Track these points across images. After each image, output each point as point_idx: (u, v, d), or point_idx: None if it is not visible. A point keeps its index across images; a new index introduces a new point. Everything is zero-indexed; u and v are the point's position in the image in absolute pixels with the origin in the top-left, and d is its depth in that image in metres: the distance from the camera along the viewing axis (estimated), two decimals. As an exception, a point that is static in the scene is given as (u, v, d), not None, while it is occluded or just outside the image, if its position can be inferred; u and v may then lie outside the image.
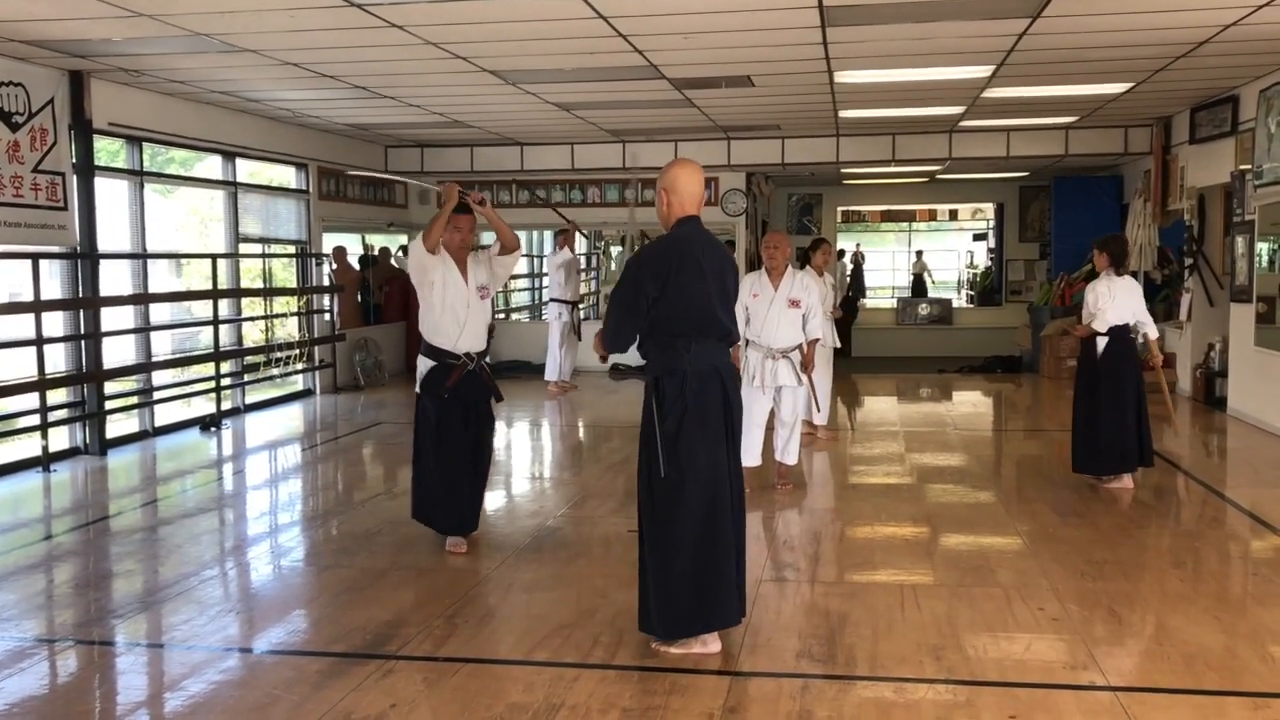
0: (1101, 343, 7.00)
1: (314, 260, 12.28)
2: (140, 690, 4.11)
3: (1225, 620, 4.56)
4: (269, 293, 11.60)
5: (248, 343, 11.36)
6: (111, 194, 9.27)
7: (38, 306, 7.94)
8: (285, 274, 12.45)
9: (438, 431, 5.60)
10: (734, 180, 14.12)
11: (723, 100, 10.34)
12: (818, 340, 7.13)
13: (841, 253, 18.54)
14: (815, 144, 13.21)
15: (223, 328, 10.37)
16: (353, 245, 14.37)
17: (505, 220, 5.85)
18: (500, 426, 7.77)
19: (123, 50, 7.75)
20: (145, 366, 9.51)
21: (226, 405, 10.48)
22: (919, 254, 22.93)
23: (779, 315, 6.87)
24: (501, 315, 16.03)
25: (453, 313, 5.56)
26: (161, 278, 11.00)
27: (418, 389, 5.71)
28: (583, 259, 16.48)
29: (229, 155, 10.84)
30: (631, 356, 4.27)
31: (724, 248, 4.46)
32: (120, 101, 9.01)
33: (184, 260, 11.93)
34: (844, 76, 9.05)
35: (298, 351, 11.59)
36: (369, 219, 14.00)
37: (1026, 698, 3.76)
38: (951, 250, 25.33)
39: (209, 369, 10.42)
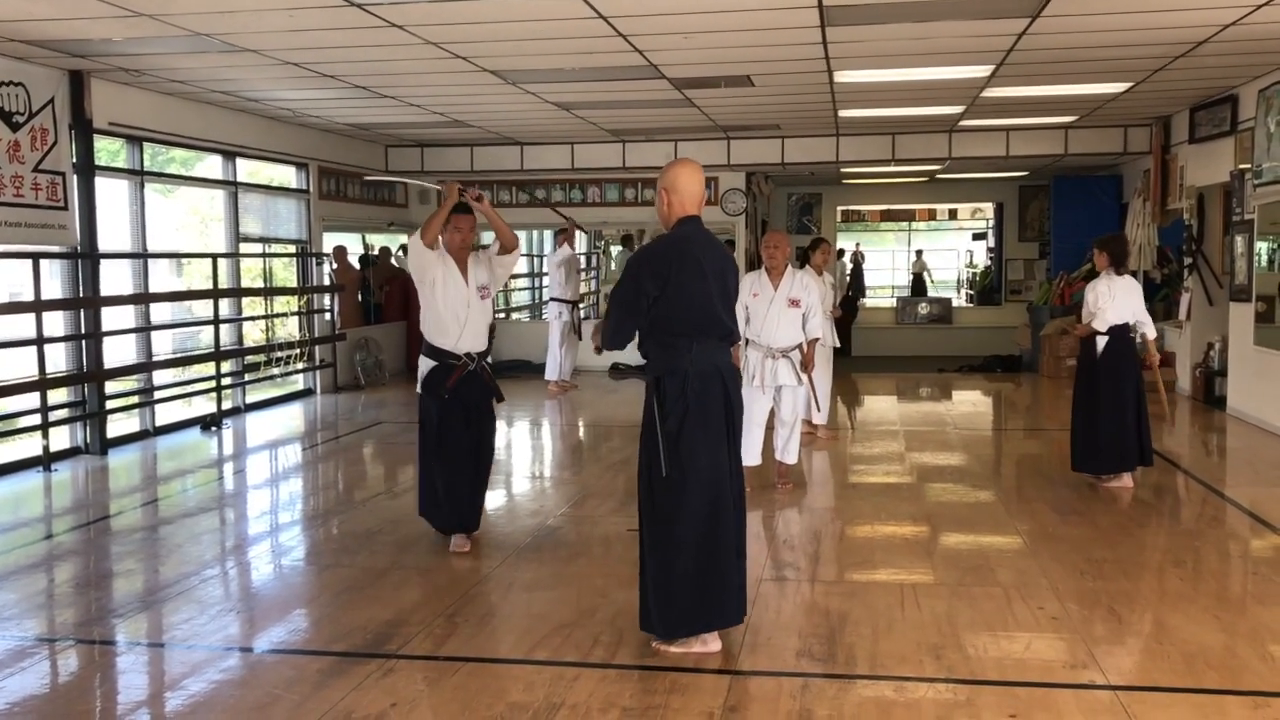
0: (1101, 342, 7.01)
1: (314, 260, 12.28)
2: (141, 689, 4.11)
3: (1225, 619, 4.57)
4: (269, 292, 11.60)
5: (248, 342, 11.37)
6: (112, 194, 9.27)
7: (38, 306, 7.94)
8: (286, 273, 12.46)
9: (438, 431, 5.61)
10: (734, 180, 14.13)
11: (722, 100, 10.35)
12: (818, 340, 7.13)
13: (841, 252, 18.54)
14: (815, 144, 13.22)
15: (223, 327, 10.37)
16: (353, 245, 14.37)
17: (505, 220, 5.85)
18: (500, 426, 7.78)
19: (123, 50, 7.76)
20: (146, 366, 9.51)
21: (227, 405, 10.48)
22: (919, 253, 22.93)
23: (779, 315, 6.87)
24: (502, 315, 16.04)
25: (453, 313, 5.57)
26: (162, 277, 11.00)
27: (419, 389, 5.72)
28: (582, 259, 16.48)
29: (229, 155, 10.84)
30: (631, 356, 4.27)
31: (724, 247, 4.46)
32: (120, 101, 9.02)
33: (184, 260, 11.93)
34: (843, 76, 9.05)
35: (298, 351, 11.60)
36: (369, 219, 14.00)
37: (1026, 697, 3.76)
38: (951, 250, 25.33)
39: (209, 368, 10.43)
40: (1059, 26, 7.23)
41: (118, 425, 9.33)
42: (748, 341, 6.91)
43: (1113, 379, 6.99)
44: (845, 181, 17.82)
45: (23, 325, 8.07)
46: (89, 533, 6.41)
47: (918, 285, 21.86)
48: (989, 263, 20.47)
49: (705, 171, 4.40)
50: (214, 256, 10.33)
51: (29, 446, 8.25)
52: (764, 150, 13.42)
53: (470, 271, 5.65)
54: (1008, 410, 12.15)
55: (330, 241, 13.03)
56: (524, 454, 9.33)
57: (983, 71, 8.91)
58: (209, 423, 9.89)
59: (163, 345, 10.36)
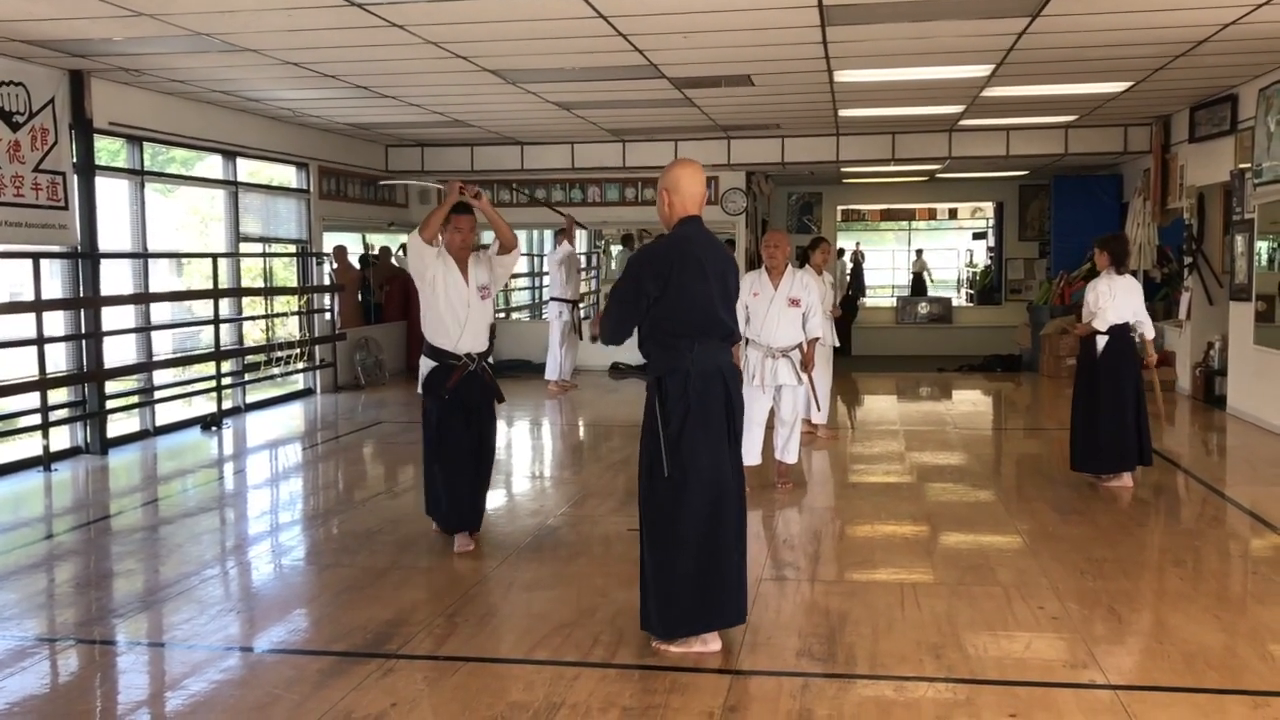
0: (1101, 341, 7.01)
1: (314, 259, 12.28)
2: (141, 689, 4.11)
3: (1225, 619, 4.57)
4: (269, 292, 11.60)
5: (248, 342, 11.37)
6: (112, 193, 9.27)
7: (39, 306, 7.94)
8: (286, 273, 12.46)
9: (438, 432, 5.61)
10: (734, 179, 14.13)
11: (722, 99, 10.35)
12: (818, 339, 7.14)
13: (841, 252, 18.54)
14: (815, 143, 13.22)
15: (223, 327, 10.37)
16: (353, 245, 14.38)
17: (505, 219, 5.84)
18: (501, 426, 7.78)
19: (123, 50, 7.76)
20: (146, 366, 9.51)
21: (227, 404, 10.48)
22: (919, 253, 22.93)
23: (779, 314, 6.88)
24: (502, 314, 16.04)
25: (453, 313, 5.57)
26: (162, 277, 11.00)
27: (419, 389, 5.72)
28: (583, 259, 16.48)
29: (229, 155, 10.85)
30: (631, 355, 4.28)
31: (725, 247, 4.47)
32: (121, 101, 9.02)
33: (185, 260, 11.93)
34: (843, 76, 9.05)
35: (298, 351, 11.60)
36: (369, 218, 14.01)
37: (1026, 696, 3.76)
38: (951, 249, 25.34)
39: (210, 368, 10.43)
40: (1059, 26, 7.23)
41: (118, 425, 9.33)
42: (747, 341, 6.92)
43: (1113, 378, 6.99)
44: (845, 181, 17.82)
45: (23, 325, 8.07)
46: (89, 532, 6.41)
47: (918, 285, 21.86)
48: (989, 262, 20.47)
49: (705, 171, 4.40)
50: (214, 256, 10.33)
51: (29, 446, 8.25)
52: (764, 150, 13.42)
53: (470, 271, 5.64)
54: (1008, 410, 12.15)
55: (330, 241, 13.04)
56: (524, 454, 9.33)
57: (983, 71, 8.91)
58: (209, 422, 9.89)
59: (163, 345, 10.36)
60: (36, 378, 7.95)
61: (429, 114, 11.10)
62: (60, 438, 8.60)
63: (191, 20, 6.88)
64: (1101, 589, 4.95)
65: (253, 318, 11.53)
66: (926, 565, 5.42)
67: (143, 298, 9.53)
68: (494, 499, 6.12)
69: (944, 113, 11.31)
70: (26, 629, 4.65)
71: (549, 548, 5.80)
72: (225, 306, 10.50)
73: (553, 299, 12.49)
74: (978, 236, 22.99)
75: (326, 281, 12.56)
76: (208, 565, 5.63)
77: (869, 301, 21.09)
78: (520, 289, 18.64)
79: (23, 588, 5.29)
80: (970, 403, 12.30)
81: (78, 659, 4.37)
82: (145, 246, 9.58)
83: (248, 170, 11.42)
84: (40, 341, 7.92)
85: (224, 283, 10.41)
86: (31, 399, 8.12)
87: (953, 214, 24.18)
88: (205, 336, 10.79)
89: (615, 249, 18.05)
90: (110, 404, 9.03)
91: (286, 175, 12.15)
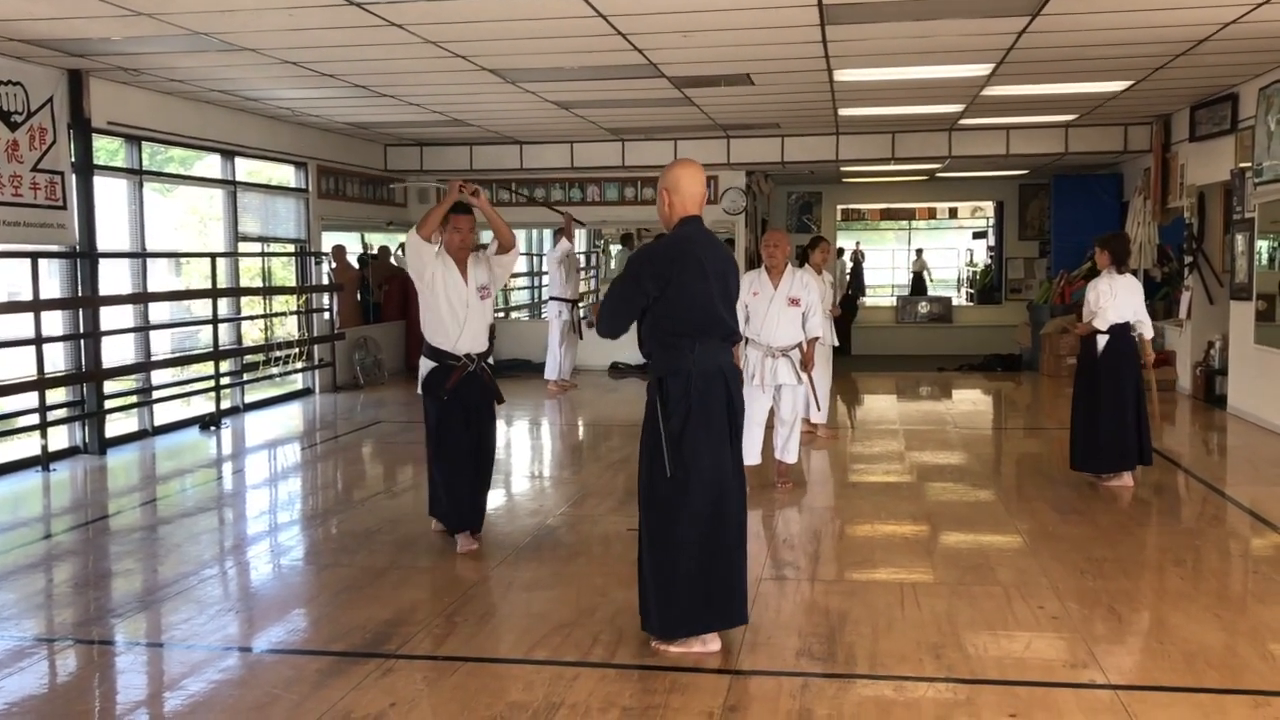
0: (1102, 341, 7.00)
1: (313, 259, 12.28)
2: (140, 689, 4.11)
3: (1225, 618, 4.56)
4: (268, 291, 11.59)
5: (247, 342, 11.36)
6: (111, 193, 9.27)
7: (37, 305, 7.93)
8: (284, 273, 12.45)
9: (437, 432, 5.60)
10: (734, 179, 14.12)
11: (722, 99, 10.34)
12: (817, 338, 7.13)
13: (841, 251, 18.54)
14: (815, 142, 13.21)
15: (222, 327, 10.36)
16: (352, 244, 14.37)
17: (504, 219, 5.83)
18: (500, 425, 7.77)
19: (121, 49, 7.75)
20: (144, 365, 9.50)
21: (226, 404, 10.47)
22: (919, 252, 22.93)
23: (779, 313, 6.87)
24: (501, 314, 16.03)
25: (453, 313, 5.55)
26: (161, 277, 10.99)
27: (419, 390, 5.71)
28: (582, 257, 16.48)
29: (228, 154, 10.84)
30: (631, 355, 4.28)
31: (725, 247, 4.47)
32: (119, 100, 9.01)
33: (183, 259, 11.92)
34: (843, 75, 9.04)
35: (297, 350, 11.59)
36: (368, 218, 14.00)
37: (1027, 696, 3.75)
38: (951, 248, 25.34)
39: (208, 368, 10.42)
40: (1059, 25, 7.22)
41: (116, 425, 9.32)
42: (747, 341, 6.91)
43: (1113, 378, 6.99)
44: (845, 180, 17.82)
45: (21, 325, 8.06)
46: (88, 532, 6.40)
47: (918, 284, 21.86)
48: (989, 261, 20.47)
49: (705, 170, 4.40)
50: (213, 256, 10.32)
51: (28, 446, 8.24)
52: (764, 149, 13.41)
53: (470, 272, 5.63)
54: (1008, 409, 12.14)
55: (329, 241, 13.02)
56: (523, 453, 9.32)
57: (983, 70, 8.90)
58: (208, 422, 9.88)
59: (161, 345, 10.35)
60: (35, 377, 7.94)
61: (428, 113, 11.10)
62: (59, 437, 8.59)
63: (190, 20, 6.87)
64: (1102, 588, 4.94)
65: (251, 317, 11.52)
66: (926, 565, 5.41)
67: (141, 297, 9.52)
68: (493, 499, 6.12)
69: (944, 112, 11.30)
70: (25, 629, 4.64)
71: (548, 547, 5.79)
72: (224, 306, 10.49)
73: (552, 298, 12.48)
74: (978, 236, 22.99)
75: (325, 281, 12.55)
76: (206, 565, 5.62)
77: (869, 301, 21.09)
78: (519, 288, 18.63)
79: (21, 588, 5.29)
80: (970, 402, 12.29)
81: (76, 659, 4.37)
82: (144, 246, 9.57)
83: (246, 170, 11.41)
84: (38, 341, 7.91)
85: (223, 282, 10.40)
86: (30, 399, 8.11)
87: (953, 213, 24.18)
88: (204, 336, 10.78)
89: (615, 248, 18.05)
90: (109, 404, 9.03)
91: (285, 175, 12.14)
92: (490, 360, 5.80)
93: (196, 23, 6.96)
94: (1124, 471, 7.03)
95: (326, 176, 12.58)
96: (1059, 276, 14.91)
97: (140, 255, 9.54)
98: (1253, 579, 5.37)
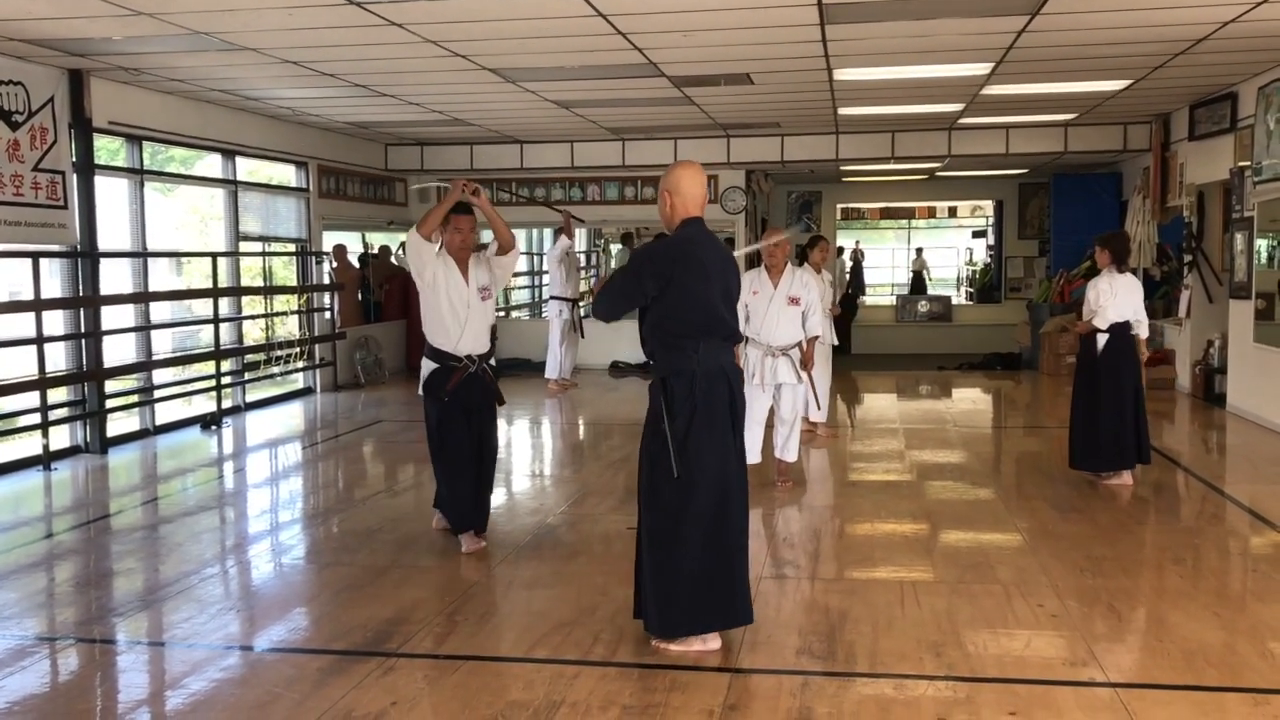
0: (1102, 339, 7.01)
1: (314, 258, 12.28)
2: (141, 688, 4.12)
3: (1225, 616, 4.57)
4: (269, 291, 11.60)
5: (248, 341, 11.37)
6: (111, 192, 9.27)
7: (38, 305, 7.94)
8: (285, 272, 12.46)
9: (439, 434, 5.60)
10: (733, 178, 14.12)
11: (722, 98, 10.34)
12: (817, 337, 7.14)
13: (841, 250, 18.54)
14: (815, 141, 13.21)
15: (223, 326, 10.37)
16: (353, 243, 14.37)
17: (504, 218, 5.82)
18: (501, 425, 7.78)
19: (122, 49, 7.75)
20: (146, 365, 9.51)
21: (227, 403, 10.48)
22: (918, 251, 22.94)
23: (779, 313, 6.89)
24: (502, 313, 16.03)
25: (454, 313, 5.54)
26: (162, 276, 11.00)
27: (420, 391, 5.70)
28: (582, 256, 16.47)
29: (229, 154, 10.84)
30: (631, 354, 4.30)
31: (726, 248, 4.50)
32: (120, 100, 9.01)
33: (184, 259, 11.93)
34: (843, 74, 9.05)
35: (298, 350, 11.60)
36: (369, 217, 14.00)
37: (1026, 694, 3.76)
38: (951, 247, 25.34)
39: (209, 367, 10.43)
40: (1058, 24, 7.23)
41: (118, 424, 9.33)
42: (747, 340, 6.92)
43: (1113, 377, 6.99)
44: (845, 179, 17.83)
45: (22, 324, 8.07)
46: (89, 532, 6.41)
47: (917, 283, 21.86)
48: (989, 260, 20.47)
49: (705, 169, 4.42)
50: (214, 255, 10.33)
51: (29, 445, 8.25)
52: (764, 148, 13.41)
53: (471, 272, 5.62)
54: (1007, 408, 12.15)
55: (330, 240, 13.03)
56: (524, 452, 9.33)
57: (982, 69, 8.91)
58: (209, 421, 9.89)
59: (162, 344, 10.36)
60: (36, 377, 7.94)
61: (428, 113, 11.10)
62: (60, 437, 8.60)
63: (190, 19, 6.88)
64: (1101, 587, 4.95)
65: (252, 317, 11.52)
66: (926, 563, 5.42)
67: (142, 297, 9.53)
68: (494, 498, 6.12)
69: (943, 111, 11.31)
70: (26, 628, 4.65)
71: (549, 546, 5.80)
72: (225, 305, 10.50)
73: (552, 298, 12.49)
74: (977, 235, 22.99)
75: (326, 280, 12.56)
76: (208, 564, 5.63)
77: (869, 300, 21.09)
78: (520, 288, 18.63)
79: (23, 587, 5.30)
80: (970, 401, 12.30)
81: (78, 658, 4.37)
82: (145, 246, 9.58)
83: (247, 169, 11.42)
84: (40, 341, 7.92)
85: (223, 282, 10.40)
86: (31, 398, 8.12)
87: (952, 212, 24.17)
88: (205, 335, 10.79)
89: (615, 247, 18.06)
90: (110, 403, 9.03)
91: (286, 174, 12.15)
92: (492, 361, 5.80)
93: (197, 22, 6.97)
94: (1123, 470, 7.04)
95: (327, 176, 12.59)
96: (1058, 275, 14.92)
97: (141, 255, 9.55)
98: (1252, 577, 5.37)
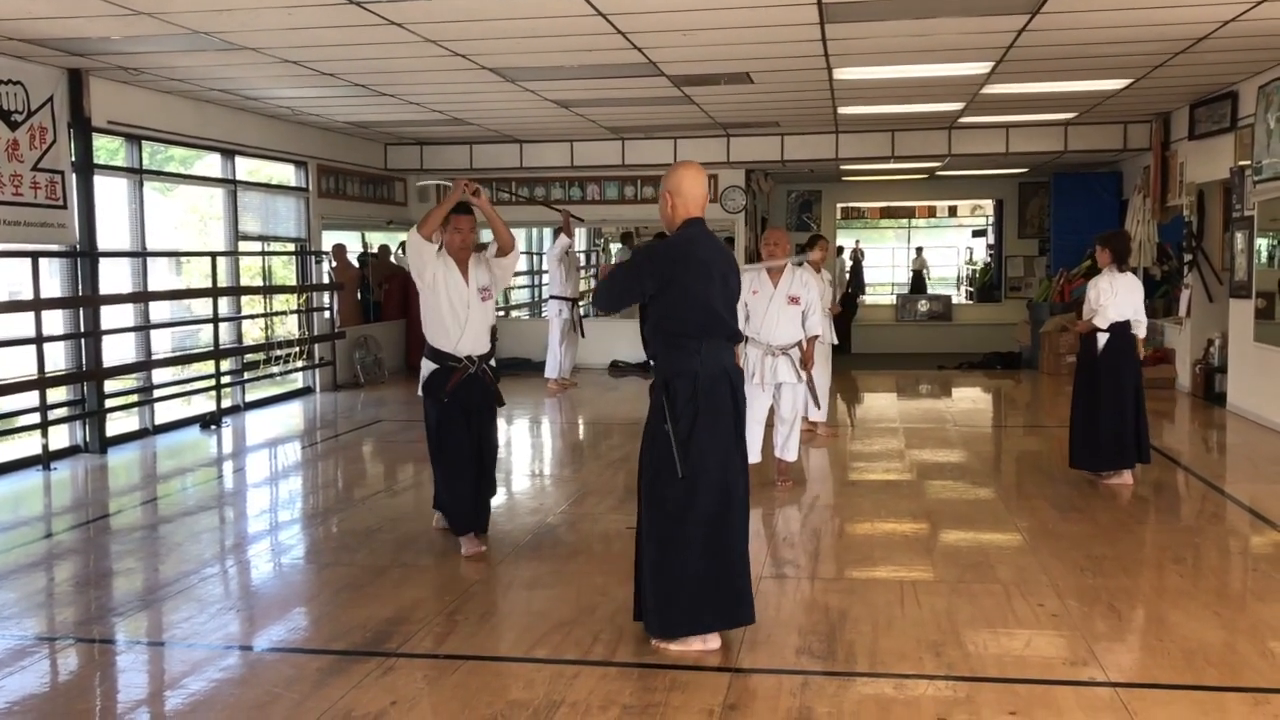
0: (1102, 339, 7.01)
1: (313, 258, 12.28)
2: (141, 688, 4.11)
3: (1225, 616, 4.57)
4: (269, 290, 11.60)
5: (247, 340, 11.37)
6: (111, 192, 9.27)
7: (37, 305, 7.94)
8: (285, 272, 12.45)
9: (438, 435, 5.58)
10: (733, 177, 14.12)
11: (722, 97, 10.34)
12: (817, 336, 7.14)
13: (841, 249, 18.53)
14: (814, 141, 13.21)
15: (222, 325, 10.37)
16: (352, 243, 14.37)
17: (503, 217, 5.81)
18: (500, 424, 7.77)
19: (121, 48, 7.75)
20: (145, 364, 9.51)
21: (226, 403, 10.48)
22: (919, 250, 22.93)
23: (778, 312, 6.88)
24: (501, 313, 16.02)
25: (454, 314, 5.53)
26: (161, 276, 11.00)
27: (420, 391, 5.69)
28: (582, 256, 16.46)
29: (228, 153, 10.84)
30: (630, 353, 4.30)
31: (727, 248, 4.51)
32: (119, 100, 9.01)
33: (184, 258, 11.93)
34: (843, 73, 9.04)
35: (297, 349, 11.60)
36: (368, 217, 14.00)
37: (1026, 694, 3.76)
38: (951, 247, 25.33)
39: (209, 367, 10.43)
40: (1059, 23, 7.22)
41: (117, 424, 9.33)
42: (747, 339, 6.91)
43: (1113, 376, 6.99)
44: (845, 179, 17.82)
45: (22, 324, 8.07)
46: (88, 531, 6.41)
47: (917, 282, 21.86)
48: (989, 259, 20.47)
49: (705, 169, 4.42)
50: (213, 255, 10.32)
51: (28, 445, 8.25)
52: (763, 147, 13.41)
53: (471, 272, 5.60)
54: (1007, 407, 12.14)
55: (329, 240, 13.03)
56: (524, 452, 9.32)
57: (982, 68, 8.90)
58: (208, 421, 9.89)
59: (162, 344, 10.36)
60: (35, 376, 7.94)
61: (428, 112, 11.10)
62: (59, 436, 8.60)
63: (190, 19, 6.88)
64: (1101, 586, 4.95)
65: (252, 316, 11.52)
66: (926, 563, 5.42)
67: (141, 296, 9.52)
68: (494, 497, 6.12)
69: (943, 110, 11.30)
70: (26, 628, 4.65)
71: (549, 546, 5.80)
72: (224, 305, 10.50)
73: (552, 297, 12.48)
74: (977, 234, 22.98)
75: (325, 280, 12.56)
76: (207, 564, 5.63)
77: (869, 299, 21.08)
78: (519, 287, 18.63)
79: (22, 587, 5.29)
80: (970, 400, 12.29)
81: (77, 658, 4.37)
82: (144, 245, 9.57)
83: (246, 169, 11.42)
84: (39, 340, 7.92)
85: (223, 281, 10.40)
86: (30, 398, 8.12)
87: (952, 211, 24.15)
88: (204, 335, 10.79)
89: (615, 246, 18.05)
90: (109, 403, 9.03)
91: (285, 174, 12.14)
92: (492, 362, 5.78)
93: (196, 22, 6.96)
94: (1123, 469, 7.04)
95: (327, 175, 12.58)
96: (1058, 275, 14.91)
97: (140, 254, 9.55)
98: (1252, 577, 5.37)
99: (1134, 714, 3.58)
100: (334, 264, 13.09)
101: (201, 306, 10.65)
